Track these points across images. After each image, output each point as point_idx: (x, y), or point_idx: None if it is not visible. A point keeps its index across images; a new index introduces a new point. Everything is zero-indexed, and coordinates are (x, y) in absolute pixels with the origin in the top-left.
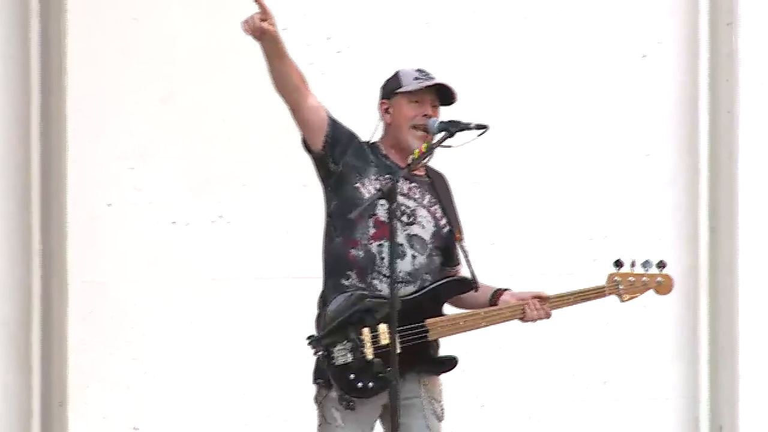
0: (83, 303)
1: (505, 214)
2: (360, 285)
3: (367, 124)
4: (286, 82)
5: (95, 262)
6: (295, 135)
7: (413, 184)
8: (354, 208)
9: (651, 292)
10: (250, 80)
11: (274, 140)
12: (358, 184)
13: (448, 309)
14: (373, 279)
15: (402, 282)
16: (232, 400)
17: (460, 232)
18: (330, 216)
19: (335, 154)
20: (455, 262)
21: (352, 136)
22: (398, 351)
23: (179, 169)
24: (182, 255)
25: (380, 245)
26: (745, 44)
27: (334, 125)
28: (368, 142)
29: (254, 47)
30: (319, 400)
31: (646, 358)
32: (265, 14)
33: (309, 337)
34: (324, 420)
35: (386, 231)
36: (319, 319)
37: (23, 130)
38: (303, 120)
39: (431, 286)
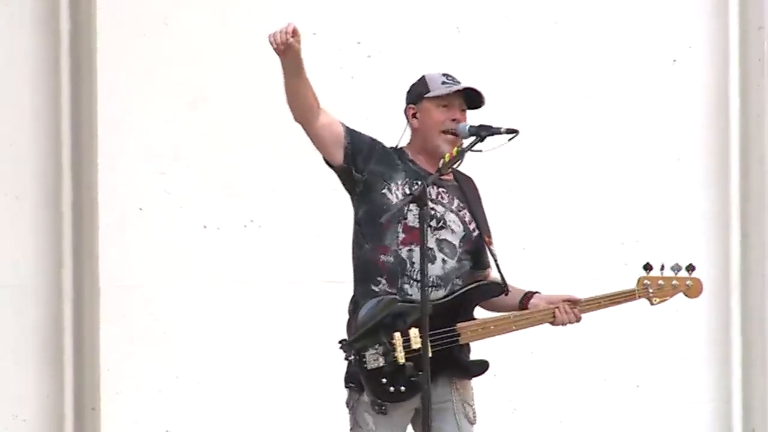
0: (115, 307)
1: (536, 219)
2: (390, 290)
3: (396, 129)
4: (301, 100)
5: (127, 266)
6: None
7: (442, 189)
8: (382, 214)
9: (681, 296)
10: (279, 84)
11: (304, 144)
12: (384, 190)
13: (479, 312)
14: (404, 284)
15: (433, 286)
16: (263, 404)
17: (489, 235)
18: (358, 224)
19: (358, 164)
20: (485, 266)
21: (373, 144)
22: (429, 355)
23: (210, 173)
24: (213, 259)
25: (410, 250)
26: None
27: (352, 135)
28: (395, 147)
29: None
30: (351, 405)
31: (678, 363)
32: (294, 32)
33: (341, 341)
34: (356, 424)
35: (415, 236)
36: (350, 324)
37: (54, 134)
38: (316, 137)
39: (461, 290)
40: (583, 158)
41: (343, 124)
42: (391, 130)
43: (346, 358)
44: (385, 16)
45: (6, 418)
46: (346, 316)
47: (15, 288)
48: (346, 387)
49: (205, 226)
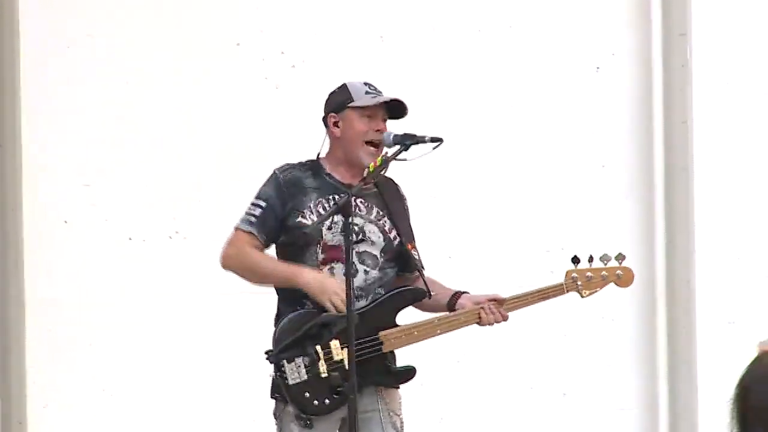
0: (41, 321)
1: (461, 227)
2: (316, 309)
3: (320, 139)
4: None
5: (52, 279)
6: (248, 148)
7: (360, 200)
8: (300, 236)
9: (611, 286)
10: (203, 94)
11: (229, 155)
12: (299, 219)
13: (412, 316)
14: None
15: (355, 298)
16: (193, 416)
17: (411, 240)
18: (278, 251)
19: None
20: (413, 268)
21: (276, 191)
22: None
23: (135, 186)
24: (139, 271)
25: (331, 268)
26: (699, 54)
27: (271, 212)
28: (313, 159)
29: (214, 63)
30: (278, 415)
31: (605, 370)
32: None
33: (267, 352)
34: None
35: (335, 253)
36: (276, 336)
37: None
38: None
39: (381, 299)
40: (508, 166)
41: (254, 233)
42: (315, 140)
43: (271, 373)
44: (308, 26)
45: None
46: (273, 330)
47: None
48: (272, 398)
49: (130, 238)
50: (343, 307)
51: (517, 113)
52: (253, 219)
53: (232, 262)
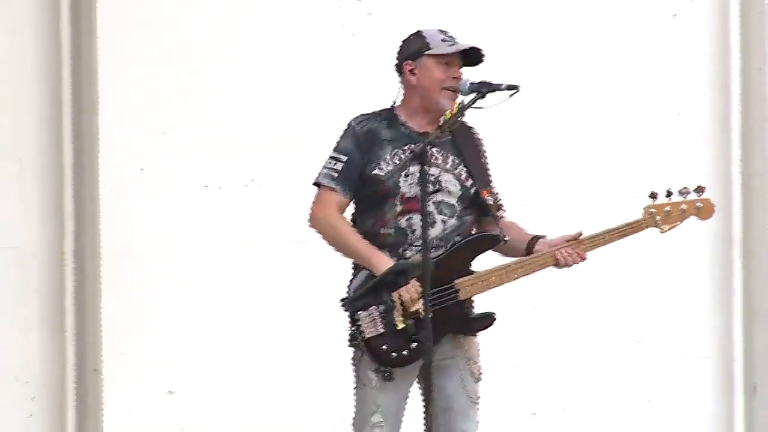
0: (116, 269)
1: (536, 176)
2: (394, 259)
3: (396, 87)
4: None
5: (127, 228)
6: (323, 95)
7: (435, 149)
8: (378, 188)
9: (691, 219)
10: (283, 42)
11: (304, 102)
12: (375, 171)
13: (492, 261)
14: (406, 251)
15: (433, 248)
16: (268, 364)
17: (486, 186)
18: (357, 202)
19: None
20: (488, 213)
21: (355, 144)
22: (430, 315)
23: (210, 133)
24: (214, 219)
25: (408, 219)
26: None
27: (352, 166)
28: (387, 109)
29: (290, 12)
30: (356, 362)
31: (680, 318)
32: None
33: (342, 300)
34: (360, 382)
35: (412, 205)
36: (351, 284)
37: (55, 96)
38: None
39: (455, 247)
40: (585, 113)
41: (338, 190)
42: (391, 88)
43: (350, 324)
44: None
45: (8, 380)
46: (349, 275)
47: (16, 250)
48: (350, 346)
49: (206, 186)
50: (410, 304)
51: (594, 61)
52: (335, 174)
53: (318, 225)
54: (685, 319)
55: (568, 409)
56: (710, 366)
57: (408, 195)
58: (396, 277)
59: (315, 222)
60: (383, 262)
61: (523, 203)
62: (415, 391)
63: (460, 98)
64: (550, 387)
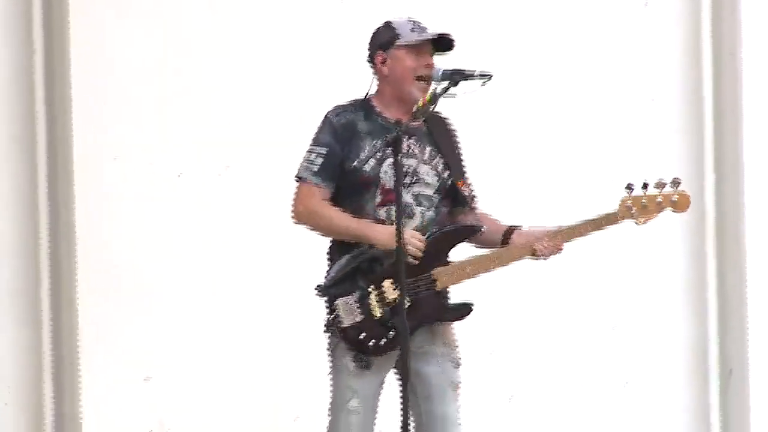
0: (91, 257)
1: (509, 164)
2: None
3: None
4: None
5: (102, 216)
6: (297, 88)
7: (412, 140)
8: (358, 180)
9: (667, 212)
10: (254, 37)
11: (280, 90)
12: (355, 164)
13: (466, 252)
14: None
15: None
16: (244, 350)
17: (462, 177)
18: (338, 193)
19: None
20: (464, 203)
21: (333, 135)
22: (407, 304)
23: (185, 121)
24: (190, 209)
25: (388, 209)
26: None
27: (333, 158)
28: (362, 99)
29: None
30: (331, 349)
31: (655, 303)
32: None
33: (317, 287)
34: (335, 368)
35: (392, 196)
36: (328, 271)
37: (27, 84)
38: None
39: (430, 237)
40: (557, 99)
41: (320, 184)
42: None
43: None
44: None
45: None
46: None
47: None
48: (325, 332)
49: (180, 175)
50: (420, 251)
51: (567, 48)
52: (315, 168)
53: (304, 218)
54: (660, 305)
55: (545, 394)
56: (686, 350)
57: (388, 186)
58: (371, 264)
59: (299, 216)
60: (379, 231)
61: (497, 192)
62: (393, 377)
63: (433, 86)
64: (526, 372)
